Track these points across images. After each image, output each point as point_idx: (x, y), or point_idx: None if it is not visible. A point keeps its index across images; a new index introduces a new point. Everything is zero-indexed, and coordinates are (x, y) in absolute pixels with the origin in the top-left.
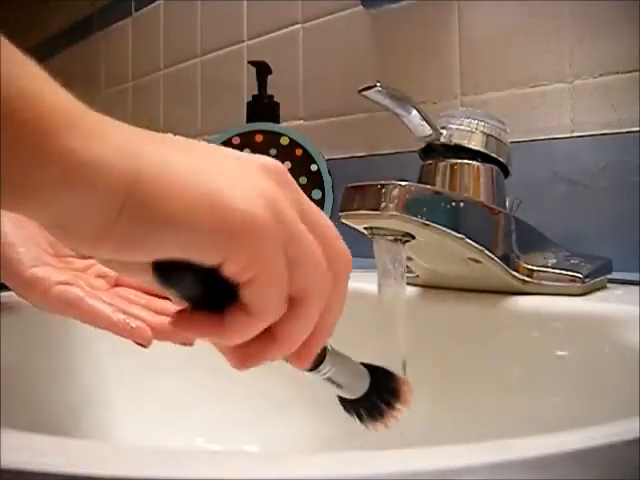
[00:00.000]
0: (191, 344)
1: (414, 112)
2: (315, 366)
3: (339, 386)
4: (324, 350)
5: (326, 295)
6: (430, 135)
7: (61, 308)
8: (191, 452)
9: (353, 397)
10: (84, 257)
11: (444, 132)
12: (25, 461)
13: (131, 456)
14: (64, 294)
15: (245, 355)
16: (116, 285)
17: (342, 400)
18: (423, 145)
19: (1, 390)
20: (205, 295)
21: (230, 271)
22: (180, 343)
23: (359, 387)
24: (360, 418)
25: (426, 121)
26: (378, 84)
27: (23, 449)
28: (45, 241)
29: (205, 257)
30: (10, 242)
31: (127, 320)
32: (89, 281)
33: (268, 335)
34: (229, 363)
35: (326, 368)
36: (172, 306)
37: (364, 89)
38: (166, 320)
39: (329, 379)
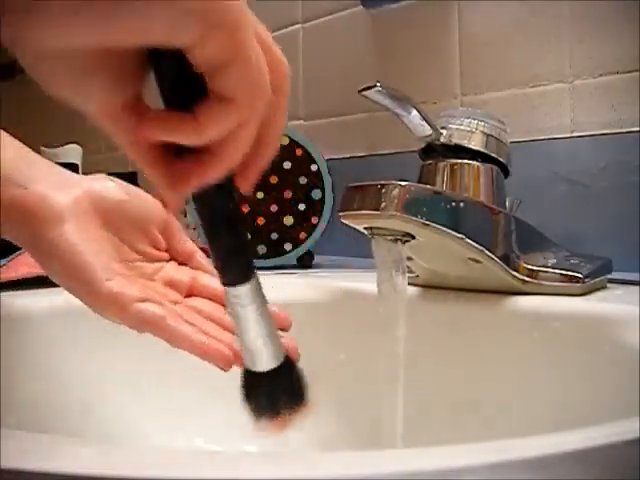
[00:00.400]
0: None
1: (414, 112)
2: (237, 278)
3: (247, 337)
4: (252, 269)
5: (267, 103)
6: (430, 135)
7: (141, 326)
8: (191, 452)
9: (256, 368)
10: (151, 260)
11: (444, 132)
12: (25, 461)
13: (131, 456)
14: (144, 313)
15: (182, 174)
16: (188, 295)
17: (245, 372)
18: (423, 145)
19: (1, 390)
20: (177, 91)
21: (209, 51)
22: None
23: (267, 358)
24: (252, 402)
25: (426, 121)
26: (378, 84)
27: (23, 449)
28: (111, 246)
29: (185, 36)
30: (79, 251)
31: (209, 343)
32: (163, 293)
33: (206, 152)
34: (164, 192)
35: (246, 294)
36: None
37: (364, 89)
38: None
39: (241, 316)
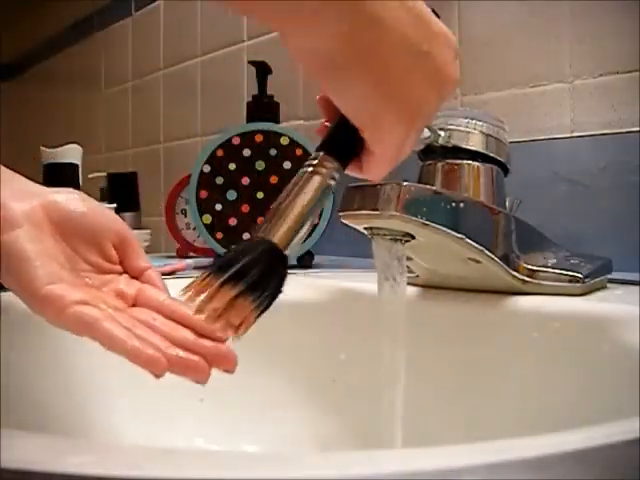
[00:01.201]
0: (204, 382)
1: None
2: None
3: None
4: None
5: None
6: (429, 137)
7: (76, 328)
8: (191, 452)
9: (288, 251)
10: (101, 272)
11: (442, 133)
12: (25, 461)
13: (131, 456)
14: (79, 314)
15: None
16: (134, 305)
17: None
18: (422, 147)
19: (1, 390)
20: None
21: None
22: (193, 380)
23: (297, 247)
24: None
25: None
26: None
27: (23, 449)
28: (63, 255)
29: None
30: (26, 257)
31: (142, 348)
32: (106, 300)
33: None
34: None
35: (335, 172)
36: (190, 336)
37: None
38: (181, 353)
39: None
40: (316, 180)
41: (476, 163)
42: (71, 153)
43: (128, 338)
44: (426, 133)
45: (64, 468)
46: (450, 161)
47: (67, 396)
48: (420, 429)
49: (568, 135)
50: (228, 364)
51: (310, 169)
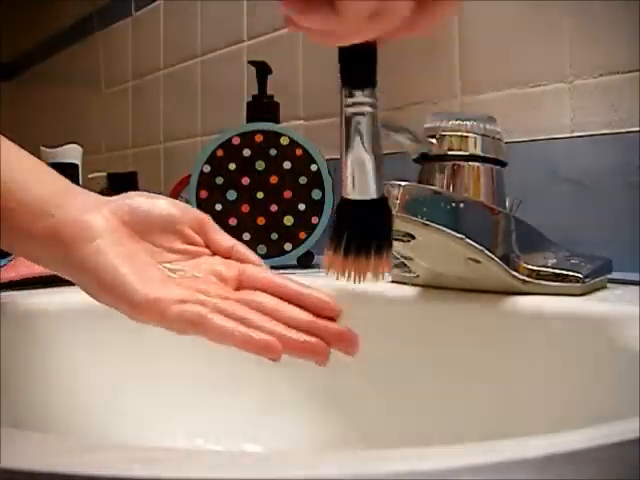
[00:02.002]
0: (324, 363)
1: (402, 134)
2: (365, 80)
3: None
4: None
5: None
6: (423, 148)
7: (181, 328)
8: (191, 452)
9: (358, 196)
10: (192, 256)
11: (434, 141)
12: (25, 461)
13: (131, 456)
14: (183, 314)
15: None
16: (237, 288)
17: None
18: (415, 156)
19: (1, 390)
20: None
21: None
22: (313, 360)
23: (371, 184)
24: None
25: (416, 138)
26: None
27: (23, 449)
28: (147, 254)
29: None
30: (113, 267)
31: (254, 334)
32: (208, 290)
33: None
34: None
35: (371, 97)
36: (305, 316)
37: None
38: (298, 335)
39: (362, 123)
40: (364, 121)
41: (476, 163)
42: (71, 153)
43: (236, 327)
44: (420, 149)
45: (64, 468)
46: (450, 162)
47: (67, 396)
48: (420, 429)
49: (568, 135)
50: (350, 345)
51: (351, 111)
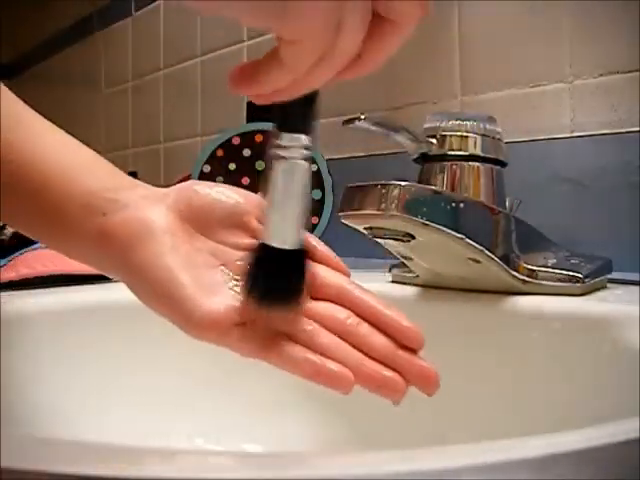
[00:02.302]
0: (399, 401)
1: (402, 134)
2: (298, 124)
3: (286, 202)
4: (313, 125)
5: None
6: (423, 148)
7: (242, 352)
8: (191, 452)
9: (280, 243)
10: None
11: (434, 141)
12: (25, 461)
13: (131, 456)
14: (246, 339)
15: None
16: (310, 292)
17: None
18: (415, 156)
19: (1, 390)
20: None
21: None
22: (387, 397)
23: (293, 236)
24: (257, 276)
25: (416, 138)
26: (362, 116)
27: (23, 449)
28: (208, 253)
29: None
30: (170, 271)
31: (324, 365)
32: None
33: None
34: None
35: (302, 145)
36: (389, 345)
37: (348, 121)
38: (376, 368)
39: (288, 172)
40: (300, 168)
41: (476, 163)
42: None
43: (305, 356)
44: (420, 149)
45: (64, 468)
46: (450, 162)
47: (67, 396)
48: (420, 429)
49: (568, 135)
50: (430, 385)
51: (282, 154)
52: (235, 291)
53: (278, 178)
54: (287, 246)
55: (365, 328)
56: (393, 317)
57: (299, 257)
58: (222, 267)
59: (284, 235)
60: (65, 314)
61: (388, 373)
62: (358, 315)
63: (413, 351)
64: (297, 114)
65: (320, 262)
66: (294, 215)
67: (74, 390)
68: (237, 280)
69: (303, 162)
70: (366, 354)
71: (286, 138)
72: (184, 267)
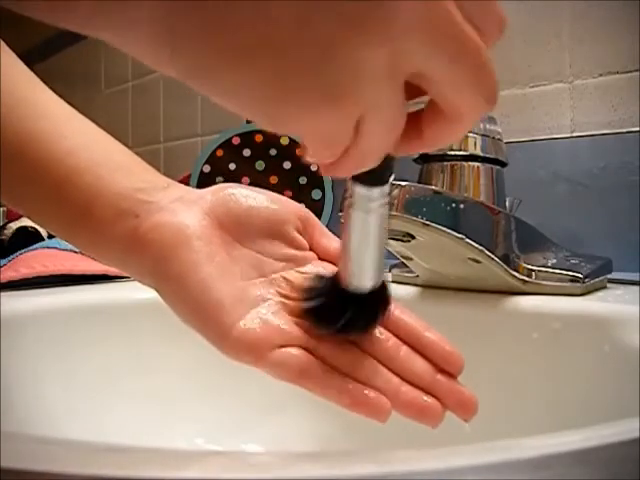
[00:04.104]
0: (436, 426)
1: None
2: (374, 178)
3: (365, 248)
4: (390, 175)
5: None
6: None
7: (280, 376)
8: (191, 452)
9: (357, 284)
10: (297, 264)
11: None
12: (25, 461)
13: (131, 456)
14: (283, 364)
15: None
16: None
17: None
18: (416, 156)
19: (1, 390)
20: None
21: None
22: (424, 423)
23: (372, 277)
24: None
25: None
26: None
27: (23, 449)
28: (246, 264)
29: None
30: (205, 283)
31: (363, 394)
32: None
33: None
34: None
35: (379, 196)
36: (429, 372)
37: None
38: (413, 393)
39: (366, 222)
40: (373, 215)
41: (476, 163)
42: None
43: (343, 384)
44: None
45: (63, 468)
46: (450, 162)
47: (67, 396)
48: (420, 429)
49: (568, 135)
50: (467, 413)
51: (356, 205)
52: (274, 308)
53: (354, 227)
54: (366, 289)
55: (404, 351)
56: (435, 340)
57: (379, 298)
58: (261, 279)
59: (363, 279)
60: (65, 314)
61: (427, 400)
62: (396, 336)
63: (452, 375)
64: (376, 169)
65: None
66: (373, 259)
67: (74, 390)
68: (278, 295)
69: (381, 210)
70: (403, 378)
71: (360, 190)
72: (220, 279)
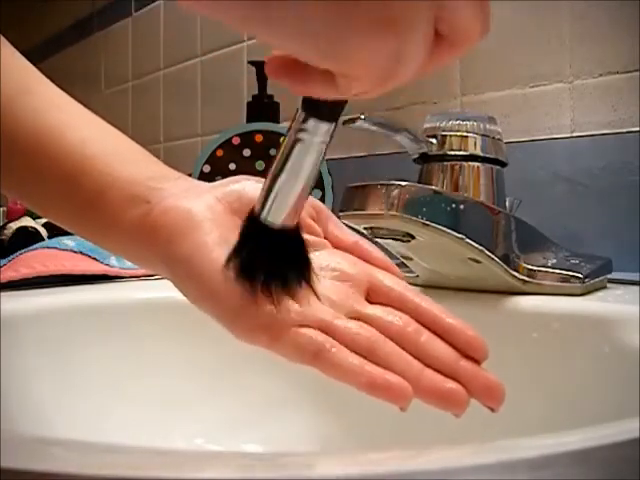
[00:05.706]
0: (460, 414)
1: (402, 134)
2: (323, 112)
3: (290, 181)
4: (338, 115)
5: None
6: (423, 148)
7: (296, 358)
8: (191, 452)
9: (273, 220)
10: (313, 249)
11: (434, 141)
12: (25, 461)
13: (131, 456)
14: (301, 345)
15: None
16: (367, 296)
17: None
18: (416, 156)
19: (1, 390)
20: None
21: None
22: (448, 410)
23: (288, 214)
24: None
25: (416, 138)
26: (362, 116)
27: (23, 449)
28: None
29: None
30: (216, 266)
31: (382, 376)
32: (333, 301)
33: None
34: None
35: (323, 132)
36: (452, 355)
37: (348, 121)
38: (437, 380)
39: (299, 153)
40: (313, 151)
41: (476, 163)
42: None
43: (362, 366)
44: (421, 149)
45: (63, 468)
46: (450, 162)
47: (67, 396)
48: (420, 429)
49: (568, 135)
50: (494, 400)
51: (301, 136)
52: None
53: (291, 157)
54: (283, 225)
55: (426, 335)
56: (457, 325)
57: (296, 237)
58: None
59: (283, 213)
60: (65, 314)
61: (451, 385)
62: (418, 321)
63: (476, 362)
64: (329, 103)
65: (376, 266)
66: (297, 195)
67: (74, 390)
68: None
69: (322, 147)
70: (426, 363)
71: (312, 123)
72: None
